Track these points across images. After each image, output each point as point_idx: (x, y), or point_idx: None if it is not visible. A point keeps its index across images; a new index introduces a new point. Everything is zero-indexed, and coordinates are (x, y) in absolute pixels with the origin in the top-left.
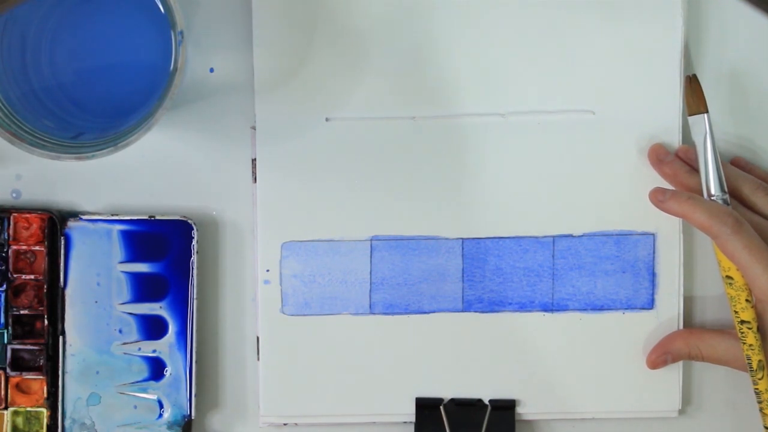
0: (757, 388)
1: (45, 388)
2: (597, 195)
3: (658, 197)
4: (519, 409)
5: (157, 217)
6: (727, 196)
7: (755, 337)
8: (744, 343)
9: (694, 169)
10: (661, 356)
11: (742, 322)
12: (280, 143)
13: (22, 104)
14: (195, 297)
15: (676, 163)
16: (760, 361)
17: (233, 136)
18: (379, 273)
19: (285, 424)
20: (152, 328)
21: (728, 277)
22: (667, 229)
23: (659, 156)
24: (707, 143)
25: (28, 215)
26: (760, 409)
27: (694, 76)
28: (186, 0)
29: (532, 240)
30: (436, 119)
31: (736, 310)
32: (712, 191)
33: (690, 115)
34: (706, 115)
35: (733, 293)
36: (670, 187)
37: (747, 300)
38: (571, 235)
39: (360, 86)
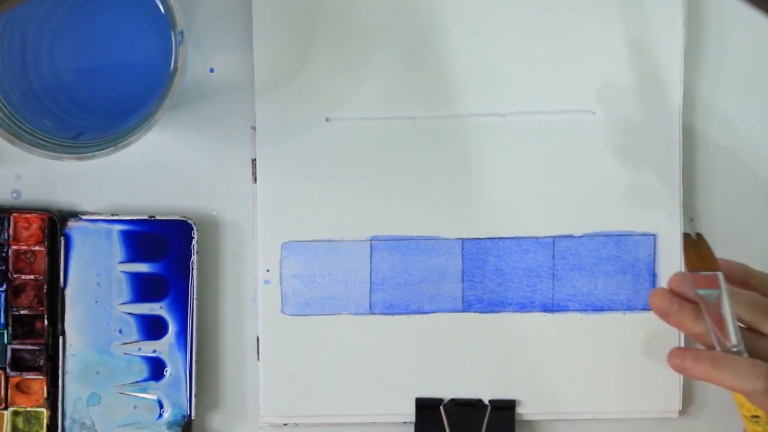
0: None
1: (45, 388)
2: (597, 195)
3: (676, 362)
4: (519, 409)
5: (157, 217)
6: (743, 345)
7: None
8: None
9: (692, 301)
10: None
11: None
12: (280, 143)
13: (22, 104)
14: (195, 297)
15: (681, 313)
16: None
17: (233, 136)
18: (379, 273)
19: (285, 424)
20: (152, 328)
21: (754, 416)
22: (667, 229)
23: (662, 310)
24: (723, 300)
25: (28, 215)
26: None
27: (699, 234)
28: (186, 0)
29: (532, 240)
30: (436, 119)
31: None
32: (732, 342)
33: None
34: (719, 273)
35: (761, 429)
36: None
37: None
38: (571, 236)
39: (360, 86)
